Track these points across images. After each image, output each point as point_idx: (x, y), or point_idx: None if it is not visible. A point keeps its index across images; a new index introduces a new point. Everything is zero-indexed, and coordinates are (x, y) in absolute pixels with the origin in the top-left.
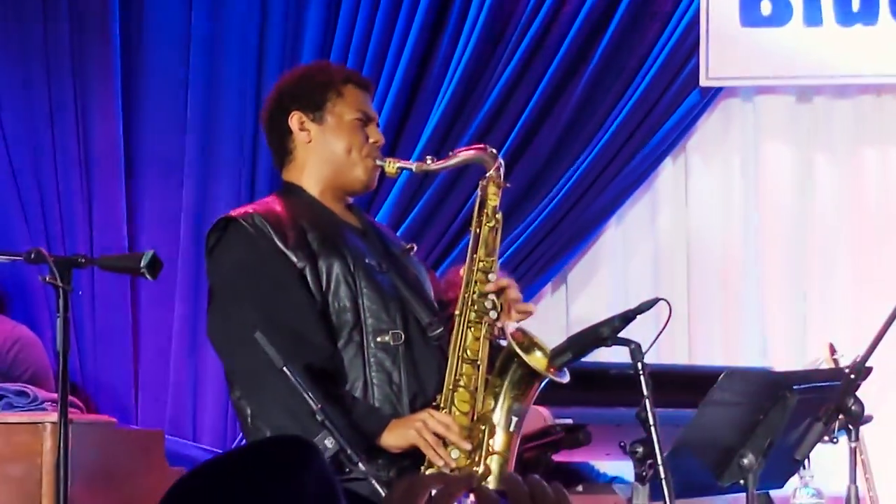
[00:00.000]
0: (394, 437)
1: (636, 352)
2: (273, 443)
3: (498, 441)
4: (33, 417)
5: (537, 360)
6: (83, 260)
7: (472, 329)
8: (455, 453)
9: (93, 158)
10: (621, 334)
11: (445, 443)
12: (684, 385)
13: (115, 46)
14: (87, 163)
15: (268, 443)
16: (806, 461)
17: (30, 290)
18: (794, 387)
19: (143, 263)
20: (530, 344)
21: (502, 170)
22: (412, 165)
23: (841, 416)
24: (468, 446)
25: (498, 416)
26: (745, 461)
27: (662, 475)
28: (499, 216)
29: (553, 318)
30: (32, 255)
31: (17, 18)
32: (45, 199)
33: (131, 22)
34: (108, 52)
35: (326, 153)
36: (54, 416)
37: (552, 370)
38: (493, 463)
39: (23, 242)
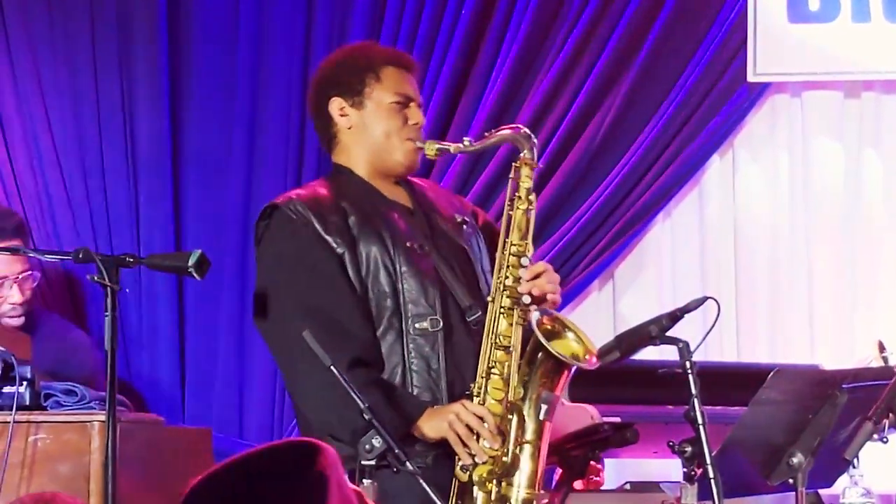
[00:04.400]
0: (428, 428)
1: (684, 350)
2: (285, 446)
3: (528, 430)
4: (81, 416)
5: (566, 345)
6: (131, 259)
7: (505, 315)
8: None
9: (140, 156)
10: (669, 332)
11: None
12: (733, 383)
13: (163, 44)
14: (135, 161)
15: (279, 446)
16: (855, 460)
17: (77, 288)
18: (844, 385)
19: (190, 262)
20: (560, 328)
21: (536, 150)
22: (450, 146)
23: (891, 415)
24: (497, 444)
25: (527, 405)
26: (794, 460)
27: (711, 474)
28: (532, 198)
29: (600, 314)
30: (80, 255)
31: (63, 17)
32: (91, 198)
33: (178, 19)
34: (155, 50)
35: (367, 138)
36: (102, 415)
37: (586, 358)
38: (524, 452)
39: (70, 241)
